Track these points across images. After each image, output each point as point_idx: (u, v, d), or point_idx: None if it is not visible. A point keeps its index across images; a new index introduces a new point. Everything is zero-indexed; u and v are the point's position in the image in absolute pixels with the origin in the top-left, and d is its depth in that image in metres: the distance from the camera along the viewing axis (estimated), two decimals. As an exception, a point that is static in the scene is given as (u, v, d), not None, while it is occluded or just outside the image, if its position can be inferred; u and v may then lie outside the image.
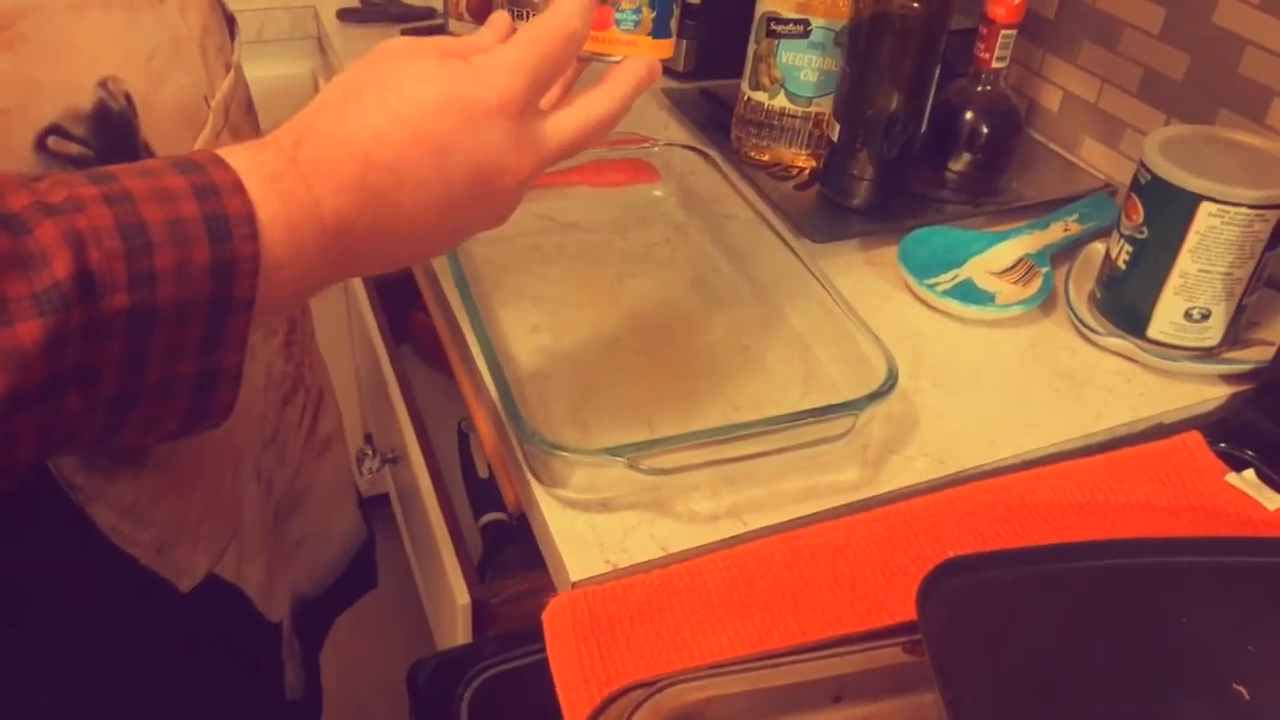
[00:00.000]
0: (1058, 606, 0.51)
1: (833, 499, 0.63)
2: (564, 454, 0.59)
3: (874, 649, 0.52)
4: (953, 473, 0.66)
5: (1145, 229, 0.73)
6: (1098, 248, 0.84)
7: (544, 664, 0.53)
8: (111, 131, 0.48)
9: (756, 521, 0.61)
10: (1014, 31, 0.89)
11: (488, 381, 0.67)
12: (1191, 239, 0.71)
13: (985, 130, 0.94)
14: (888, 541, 0.60)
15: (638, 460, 0.58)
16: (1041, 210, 0.93)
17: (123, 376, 0.38)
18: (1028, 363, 0.76)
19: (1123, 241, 0.76)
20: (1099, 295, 0.80)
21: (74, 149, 0.46)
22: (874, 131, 0.87)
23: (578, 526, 0.60)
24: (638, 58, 0.51)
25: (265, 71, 1.32)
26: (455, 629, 0.95)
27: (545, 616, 0.55)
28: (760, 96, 0.95)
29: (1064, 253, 0.86)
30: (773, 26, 0.91)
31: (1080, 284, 0.82)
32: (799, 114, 0.94)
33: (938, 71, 0.85)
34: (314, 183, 0.42)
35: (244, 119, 0.63)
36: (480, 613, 0.94)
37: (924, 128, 0.88)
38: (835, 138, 0.89)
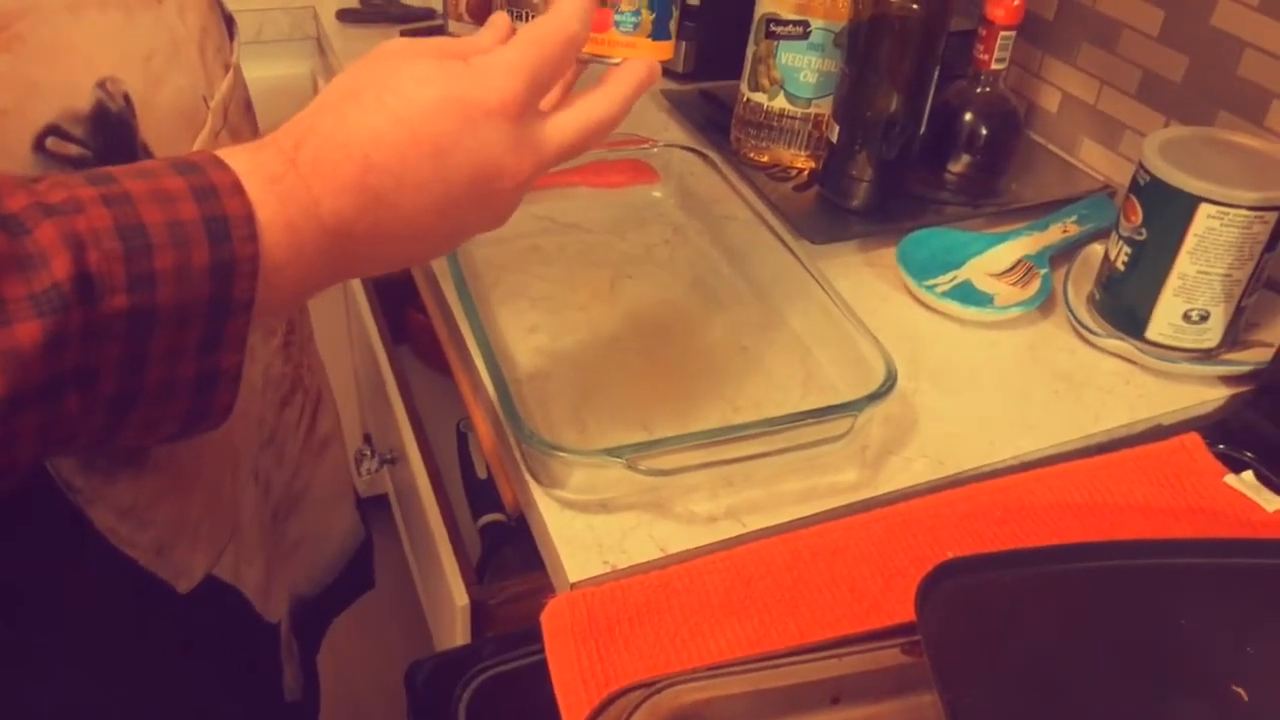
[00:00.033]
0: (1056, 608, 0.51)
1: (832, 500, 0.63)
2: (562, 455, 0.59)
3: (873, 650, 0.52)
4: (951, 474, 0.66)
5: (1144, 230, 0.73)
6: (1096, 249, 0.84)
7: (542, 665, 0.53)
8: (110, 132, 0.48)
9: (755, 522, 0.61)
10: (1013, 33, 0.89)
11: (486, 382, 0.67)
12: (1190, 240, 0.71)
13: (984, 132, 0.94)
14: (886, 543, 0.60)
15: (636, 461, 0.58)
16: (1040, 212, 0.93)
17: (122, 378, 0.38)
18: (1026, 364, 0.76)
19: (1121, 243, 0.76)
20: (1098, 297, 0.80)
21: (72, 150, 0.46)
22: (873, 133, 0.87)
23: (576, 527, 0.60)
24: (637, 59, 0.51)
25: (264, 72, 1.32)
26: (454, 630, 0.95)
27: (544, 617, 0.55)
28: (759, 98, 0.95)
29: (1063, 254, 0.87)
30: (772, 28, 0.91)
31: (1079, 285, 0.82)
32: (798, 115, 0.94)
33: (937, 73, 0.85)
34: (313, 184, 0.42)
35: (243, 120, 0.63)
36: (479, 614, 0.94)
37: (923, 129, 0.88)
38: (834, 139, 0.89)
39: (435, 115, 0.43)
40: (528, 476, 0.63)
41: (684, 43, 1.12)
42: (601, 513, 0.61)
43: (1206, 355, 0.76)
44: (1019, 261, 0.86)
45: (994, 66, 0.91)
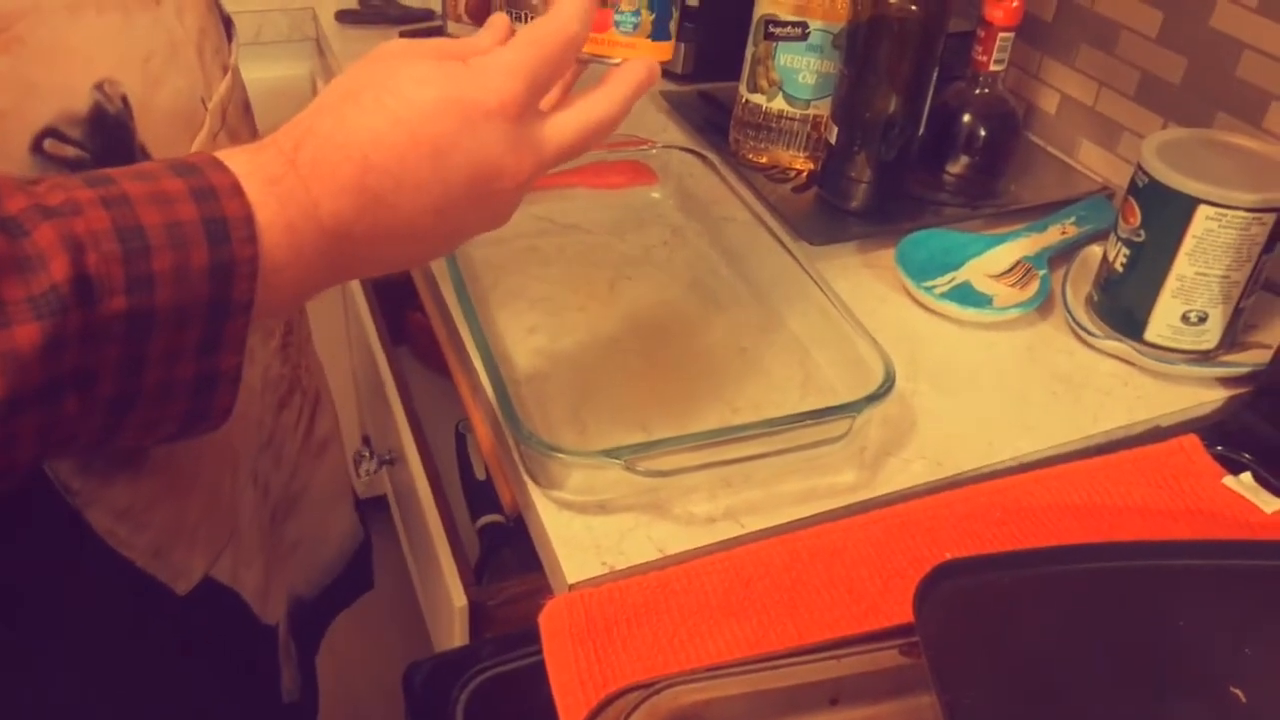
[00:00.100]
0: (1055, 609, 0.51)
1: (830, 501, 0.63)
2: (561, 456, 0.59)
3: (871, 651, 0.52)
4: (950, 475, 0.66)
5: (1142, 232, 0.73)
6: (1095, 250, 0.84)
7: (541, 666, 0.53)
8: (108, 134, 0.48)
9: (754, 524, 0.61)
10: (1012, 34, 0.89)
11: (485, 383, 0.67)
12: (1189, 242, 0.71)
13: (983, 133, 0.94)
14: (885, 544, 0.60)
15: (635, 462, 0.58)
16: (1039, 213, 0.93)
17: (121, 379, 0.38)
18: (1025, 365, 0.76)
19: (1120, 244, 0.76)
20: (1096, 298, 0.80)
21: (70, 152, 0.46)
22: (872, 134, 0.87)
23: (574, 528, 0.60)
24: (637, 60, 0.51)
25: (263, 73, 1.32)
26: (452, 631, 0.95)
27: (542, 618, 0.55)
28: (758, 99, 0.95)
29: (1061, 255, 0.87)
30: (771, 29, 0.91)
31: (1078, 287, 0.82)
32: (797, 116, 0.94)
33: (935, 74, 0.85)
34: (313, 185, 0.42)
35: (241, 121, 0.63)
36: (477, 614, 0.94)
37: (922, 130, 0.88)
38: (833, 140, 0.89)
39: (434, 116, 0.43)
40: (526, 477, 0.63)
41: (683, 44, 1.12)
42: (600, 514, 0.61)
43: (1205, 357, 0.76)
44: (1018, 263, 0.86)
45: (993, 68, 0.91)
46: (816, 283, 0.73)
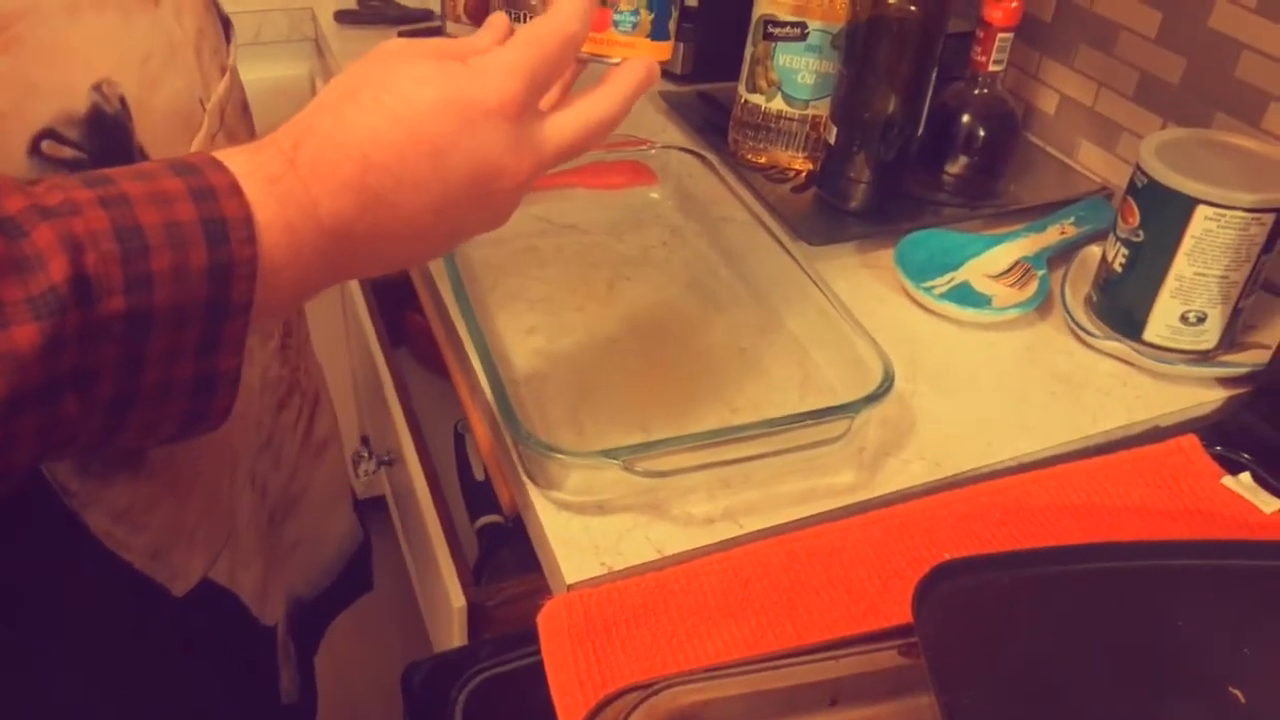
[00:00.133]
0: (1054, 609, 0.51)
1: (829, 502, 0.63)
2: (559, 456, 0.59)
3: (870, 652, 0.52)
4: (949, 475, 0.66)
5: (1141, 232, 0.73)
6: (1094, 251, 0.84)
7: (539, 667, 0.53)
8: (106, 135, 0.48)
9: (752, 524, 0.61)
10: (1011, 35, 0.89)
11: (483, 383, 0.67)
12: (1187, 242, 0.71)
13: (982, 133, 0.94)
14: (884, 544, 0.60)
15: (633, 463, 0.58)
16: (1038, 213, 0.93)
17: (120, 380, 0.38)
18: (1024, 366, 0.76)
19: (1119, 245, 0.76)
20: (1095, 298, 0.80)
21: (68, 153, 0.46)
22: (871, 134, 0.87)
23: (573, 529, 0.60)
24: (636, 60, 0.51)
25: (263, 73, 1.32)
26: (451, 631, 0.95)
27: (540, 619, 0.55)
28: (757, 99, 0.95)
29: (1060, 256, 0.87)
30: (770, 29, 0.91)
31: (1077, 287, 0.82)
32: (796, 117, 0.94)
33: (934, 74, 0.85)
34: (312, 184, 0.42)
35: (239, 122, 0.63)
36: (476, 615, 0.94)
37: (921, 131, 0.88)
38: (832, 140, 0.89)
39: (434, 115, 0.43)
40: (525, 478, 0.63)
41: (682, 44, 1.12)
42: (598, 514, 0.61)
43: (1204, 357, 0.76)
44: (1017, 263, 0.86)
45: (992, 68, 0.91)
46: (815, 283, 0.73)
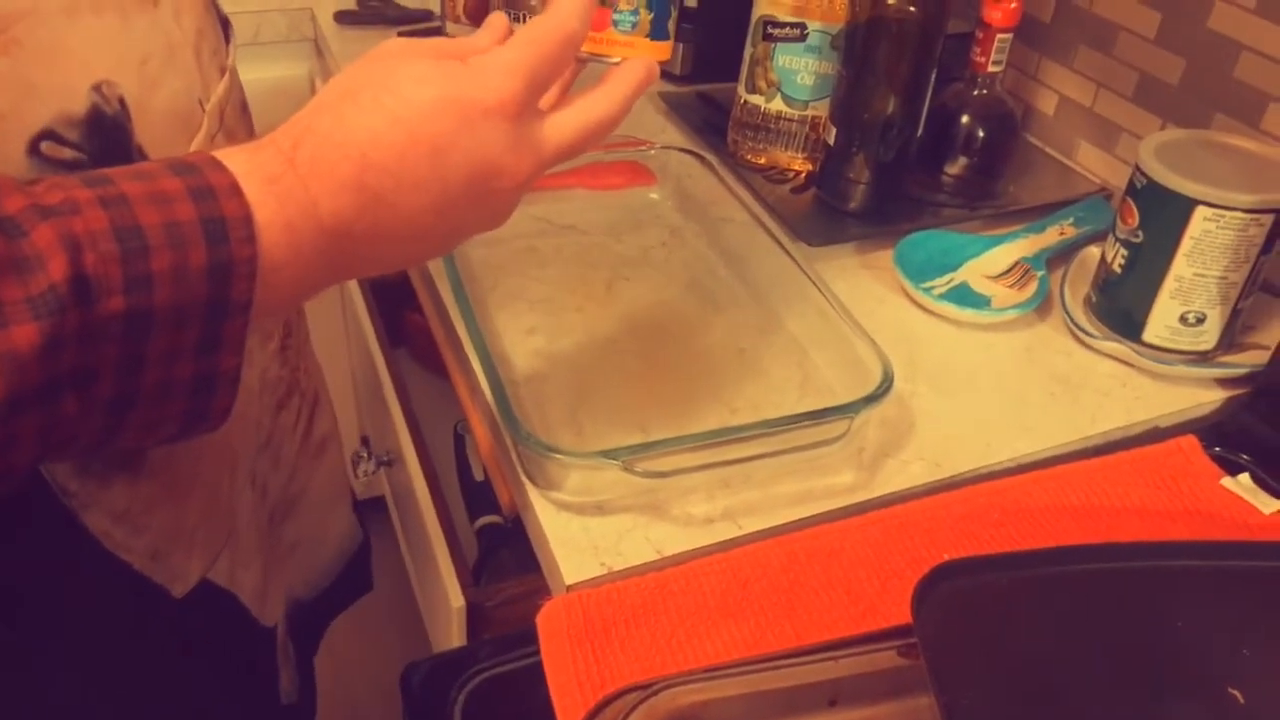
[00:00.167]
0: (1053, 610, 0.51)
1: (828, 502, 0.63)
2: (559, 456, 0.59)
3: (869, 652, 0.52)
4: (948, 476, 0.66)
5: (1140, 233, 0.73)
6: (1093, 251, 0.84)
7: (538, 667, 0.53)
8: (105, 136, 0.48)
9: (752, 525, 0.61)
10: (1010, 36, 0.89)
11: (483, 384, 0.67)
12: (1187, 243, 0.71)
13: (981, 134, 0.94)
14: (883, 545, 0.60)
15: (633, 463, 0.58)
16: (1037, 214, 0.93)
17: (120, 380, 0.38)
18: (1023, 366, 0.76)
19: (1118, 245, 0.76)
20: (1094, 299, 0.80)
21: (67, 154, 0.46)
22: (870, 135, 0.87)
23: (572, 529, 0.60)
24: (636, 59, 0.51)
25: (262, 74, 1.32)
26: (450, 632, 0.95)
27: (539, 619, 0.55)
28: (757, 100, 0.95)
29: (1060, 256, 0.87)
30: (769, 30, 0.91)
31: (1076, 288, 0.82)
32: (795, 117, 0.94)
33: (934, 75, 0.85)
34: (311, 184, 0.42)
35: (239, 122, 0.63)
36: (475, 616, 0.94)
37: (920, 131, 0.88)
38: (831, 141, 0.89)
39: (433, 115, 0.43)
40: (524, 478, 0.63)
41: (681, 45, 1.12)
42: (598, 515, 0.61)
43: (1203, 358, 0.76)
44: (1016, 264, 0.86)
45: (991, 69, 0.91)
46: (815, 284, 0.73)
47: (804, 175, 0.96)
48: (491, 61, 0.45)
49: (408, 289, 1.03)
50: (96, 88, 0.47)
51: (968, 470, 0.67)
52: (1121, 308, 0.77)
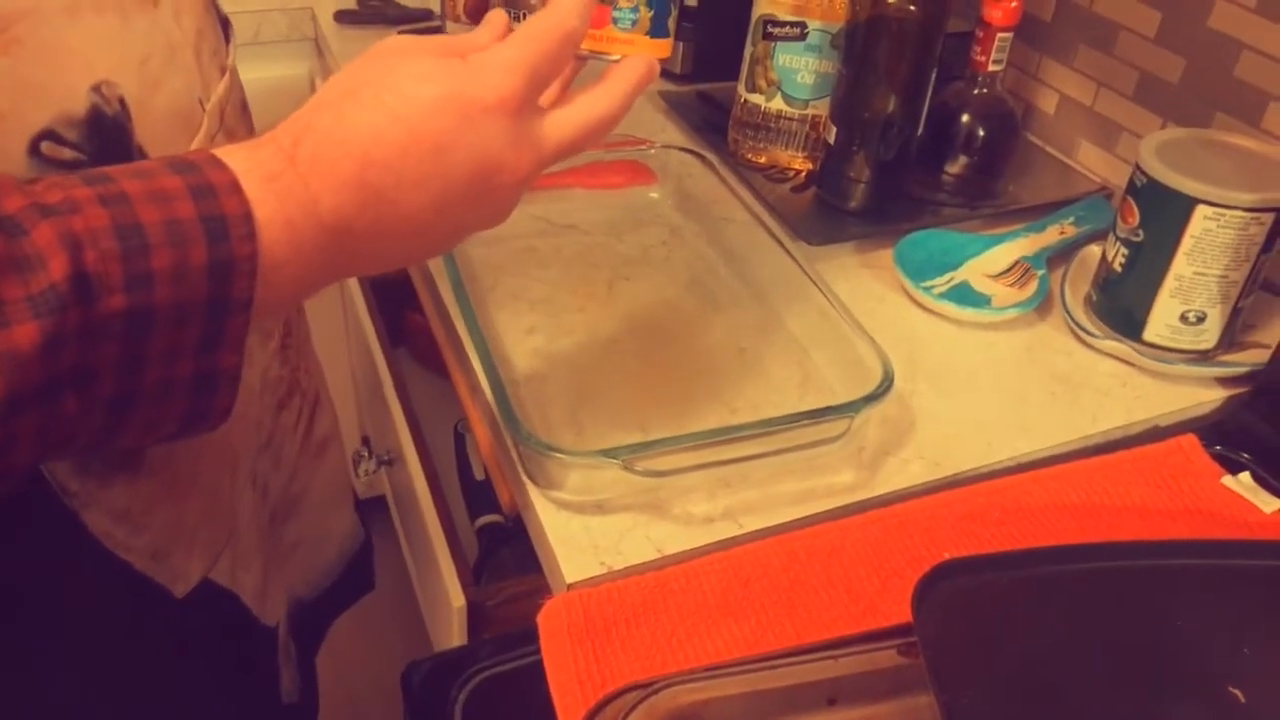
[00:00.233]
0: (1053, 609, 0.51)
1: (828, 501, 0.63)
2: (559, 456, 0.59)
3: (869, 651, 0.52)
4: (948, 475, 0.66)
5: (1141, 232, 0.73)
6: (1094, 250, 0.84)
7: (539, 666, 0.53)
8: (105, 136, 0.48)
9: (752, 524, 0.61)
10: (1010, 35, 0.89)
11: (483, 383, 0.67)
12: (1187, 242, 0.71)
13: (982, 133, 0.94)
14: (883, 544, 0.60)
15: (633, 462, 0.58)
16: (1038, 213, 0.93)
17: (120, 378, 0.38)
18: (1024, 365, 0.76)
19: (1119, 244, 0.76)
20: (1095, 298, 0.80)
21: (68, 154, 0.46)
22: (870, 134, 0.87)
23: (573, 528, 0.60)
24: (636, 57, 0.51)
25: (262, 73, 1.32)
26: (451, 631, 0.95)
27: (540, 618, 0.55)
28: (757, 99, 0.95)
29: (1060, 255, 0.87)
30: (769, 29, 0.91)
31: (1076, 287, 0.82)
32: (795, 116, 0.94)
33: (934, 74, 0.85)
34: (312, 181, 0.41)
35: (239, 122, 0.63)
36: (475, 615, 0.94)
37: (920, 131, 0.88)
38: (832, 140, 0.89)
39: (434, 113, 0.43)
40: (525, 478, 0.63)
41: (682, 44, 1.12)
42: (598, 514, 0.61)
43: (1203, 356, 0.76)
44: (1016, 263, 0.86)
45: (991, 68, 0.91)
46: (815, 283, 0.73)
47: (804, 174, 0.96)
48: (492, 59, 0.45)
49: (408, 288, 1.04)
50: (97, 88, 0.47)
51: (968, 469, 0.67)
52: (1122, 307, 0.77)
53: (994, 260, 0.86)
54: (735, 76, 0.96)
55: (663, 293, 0.80)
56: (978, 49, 0.90)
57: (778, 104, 0.94)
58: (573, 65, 0.55)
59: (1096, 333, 0.78)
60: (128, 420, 0.40)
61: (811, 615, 0.56)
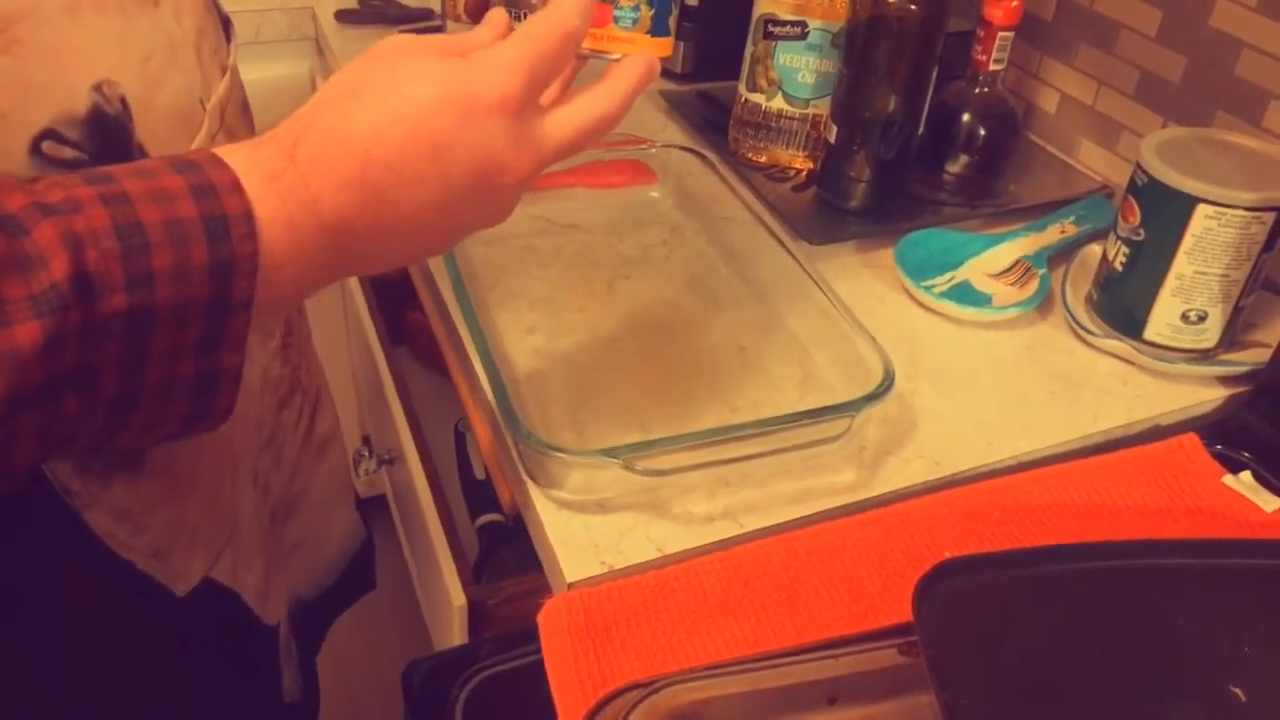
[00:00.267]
0: (1054, 608, 0.51)
1: (829, 501, 0.63)
2: (560, 455, 0.59)
3: (870, 650, 0.52)
4: (949, 474, 0.66)
5: (1142, 231, 0.73)
6: (1095, 250, 0.84)
7: (539, 665, 0.53)
8: (106, 135, 0.48)
9: (752, 523, 0.61)
10: (1011, 34, 0.89)
11: (484, 383, 0.67)
12: (1188, 241, 0.71)
13: (982, 132, 0.94)
14: (884, 543, 0.60)
15: (633, 461, 0.58)
16: (1038, 212, 0.93)
17: (121, 378, 0.38)
18: (1024, 365, 0.76)
19: (1119, 243, 0.76)
20: (1096, 297, 0.80)
21: (68, 153, 0.46)
22: (871, 133, 0.87)
23: (573, 528, 0.60)
24: (637, 56, 0.51)
25: (263, 73, 1.32)
26: (451, 630, 0.95)
27: (540, 618, 0.55)
28: (757, 98, 0.95)
29: (1061, 255, 0.87)
30: (770, 28, 0.91)
31: (1077, 286, 0.82)
32: (796, 116, 0.94)
33: (935, 73, 0.85)
34: (313, 180, 0.42)
35: (239, 121, 0.63)
36: (476, 614, 0.94)
37: (921, 130, 0.88)
38: (832, 139, 0.89)
39: (434, 112, 0.43)
40: (525, 477, 0.63)
41: (682, 43, 1.12)
42: (599, 513, 0.61)
43: (1204, 356, 0.76)
44: (1017, 262, 0.86)
45: (992, 67, 0.91)
46: (816, 282, 0.73)
47: (805, 174, 0.96)
48: (492, 58, 0.45)
49: (408, 287, 1.04)
50: (97, 87, 0.47)
51: (969, 468, 0.67)
52: (1123, 306, 0.77)
53: (995, 259, 0.86)
54: (736, 76, 0.96)
55: (663, 292, 0.80)
56: (979, 48, 0.90)
57: (778, 103, 0.94)
58: (573, 64, 0.55)
59: (1097, 332, 0.78)
60: (129, 420, 0.40)
61: (812, 614, 0.56)
